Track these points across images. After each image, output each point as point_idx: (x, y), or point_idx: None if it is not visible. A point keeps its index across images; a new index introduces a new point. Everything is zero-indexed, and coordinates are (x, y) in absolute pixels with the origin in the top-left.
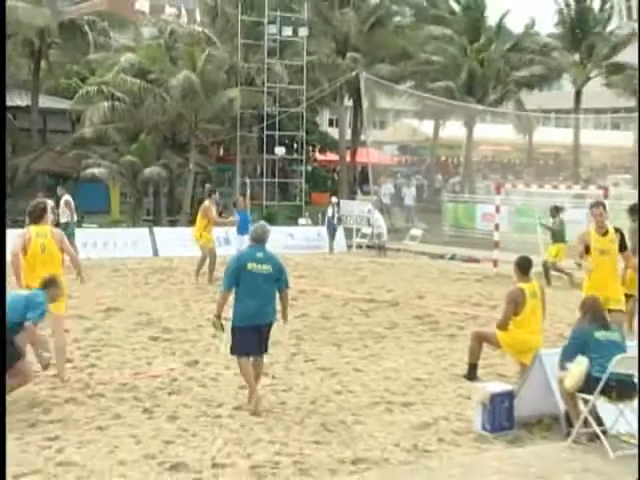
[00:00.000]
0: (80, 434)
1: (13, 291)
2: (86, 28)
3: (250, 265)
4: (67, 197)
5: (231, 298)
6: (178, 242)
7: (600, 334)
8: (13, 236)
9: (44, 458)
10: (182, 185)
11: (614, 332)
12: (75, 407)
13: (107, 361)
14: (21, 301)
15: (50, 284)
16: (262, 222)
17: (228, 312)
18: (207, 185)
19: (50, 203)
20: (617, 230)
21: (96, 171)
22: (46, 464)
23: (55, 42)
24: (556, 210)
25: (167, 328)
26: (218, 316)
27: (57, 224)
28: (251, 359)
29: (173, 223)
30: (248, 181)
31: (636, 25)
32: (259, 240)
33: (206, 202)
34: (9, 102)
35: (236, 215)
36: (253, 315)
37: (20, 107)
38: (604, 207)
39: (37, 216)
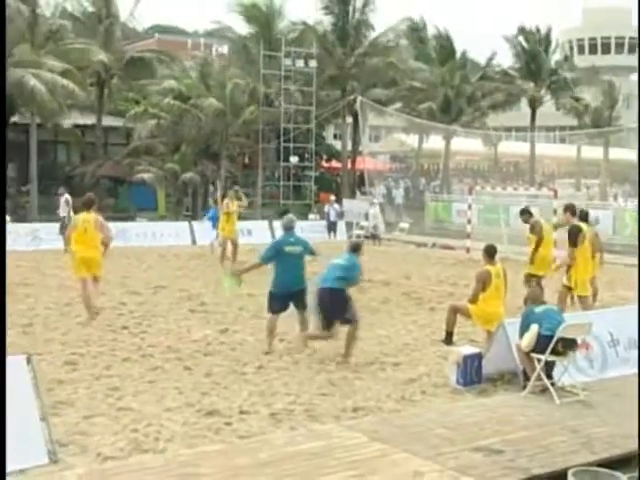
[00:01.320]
0: (135, 386)
1: None
2: (141, 62)
3: (287, 248)
4: (67, 196)
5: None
6: (212, 233)
7: (538, 308)
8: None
9: (107, 404)
10: (215, 187)
11: (549, 305)
12: (130, 364)
13: (155, 328)
14: None
15: None
16: (290, 215)
17: None
18: (235, 187)
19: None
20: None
21: (145, 176)
22: (109, 409)
23: (116, 73)
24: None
25: (203, 302)
26: (241, 273)
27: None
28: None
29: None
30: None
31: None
32: (290, 228)
33: (225, 199)
34: (80, 121)
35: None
36: (289, 285)
37: (87, 125)
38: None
39: (87, 206)
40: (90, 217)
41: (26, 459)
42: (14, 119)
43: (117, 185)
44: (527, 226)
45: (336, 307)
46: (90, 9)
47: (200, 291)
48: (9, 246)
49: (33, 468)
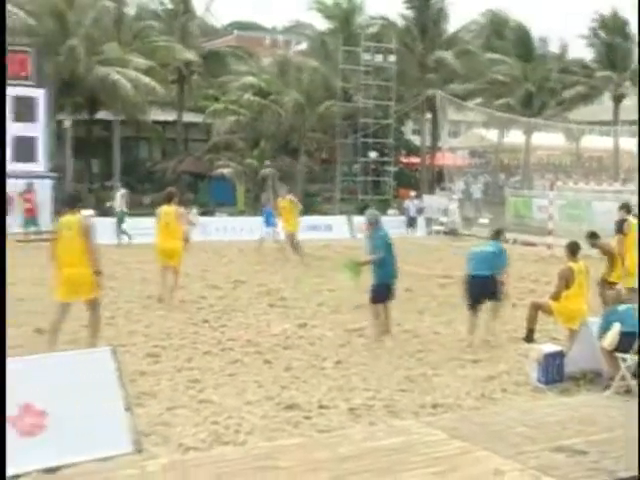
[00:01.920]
0: (215, 378)
1: None
2: (219, 59)
3: (389, 242)
4: (123, 191)
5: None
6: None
7: (621, 307)
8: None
9: (188, 396)
10: (293, 182)
11: (632, 305)
12: (211, 357)
13: (235, 322)
14: None
15: None
16: (372, 210)
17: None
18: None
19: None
20: None
21: (225, 171)
22: (190, 401)
23: (196, 70)
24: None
25: (282, 297)
26: (362, 265)
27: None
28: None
29: None
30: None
31: None
32: (377, 222)
33: (287, 197)
34: (161, 117)
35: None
36: (392, 276)
37: (168, 122)
38: None
39: (168, 199)
40: (171, 210)
41: (112, 447)
42: (99, 116)
43: (197, 180)
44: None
45: (489, 292)
46: (169, 6)
47: (279, 286)
48: (112, 240)
49: (119, 456)
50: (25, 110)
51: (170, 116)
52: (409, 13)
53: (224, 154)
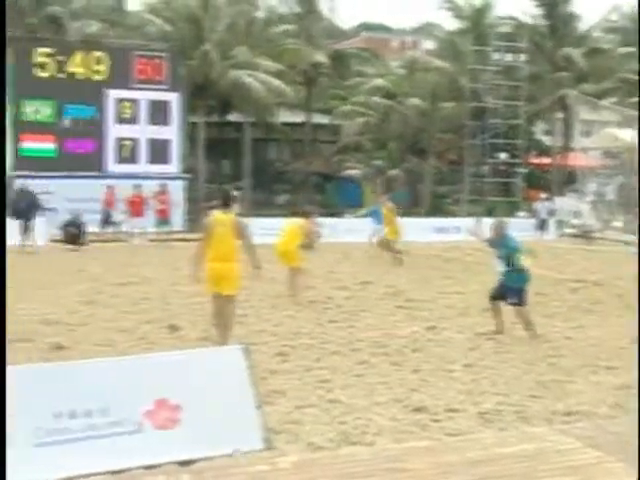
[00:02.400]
0: (344, 379)
1: None
2: (347, 61)
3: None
4: (235, 192)
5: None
6: (417, 229)
7: None
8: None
9: (317, 396)
10: (421, 183)
11: None
12: (339, 358)
13: (363, 323)
14: None
15: None
16: (501, 219)
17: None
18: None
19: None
20: None
21: (353, 172)
22: (319, 400)
23: (323, 72)
24: None
25: (409, 298)
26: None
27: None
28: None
29: (414, 214)
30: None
31: None
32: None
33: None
34: (289, 119)
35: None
36: (524, 280)
37: (297, 123)
38: None
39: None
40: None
41: (243, 444)
42: (230, 118)
43: (325, 181)
44: None
45: None
46: (297, 9)
47: (406, 287)
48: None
49: (249, 453)
50: (159, 113)
51: (298, 118)
52: (538, 11)
53: (352, 155)
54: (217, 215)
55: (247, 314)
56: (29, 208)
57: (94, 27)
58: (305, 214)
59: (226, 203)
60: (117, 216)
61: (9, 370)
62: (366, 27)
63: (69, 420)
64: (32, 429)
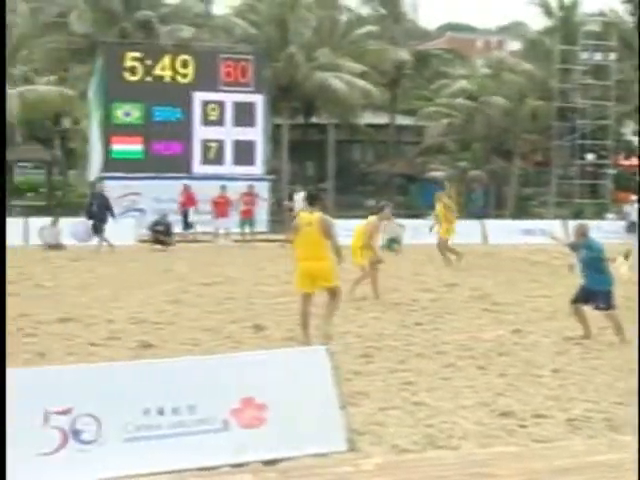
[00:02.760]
0: (429, 381)
1: None
2: (431, 61)
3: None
4: (302, 193)
5: None
6: (502, 232)
7: None
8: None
9: (401, 398)
10: (506, 185)
11: None
12: (424, 360)
13: (448, 326)
14: None
15: None
16: (583, 222)
17: None
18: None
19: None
20: None
21: (437, 174)
22: (403, 402)
23: (407, 73)
24: None
25: (495, 302)
26: None
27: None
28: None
29: (499, 216)
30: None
31: None
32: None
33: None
34: (373, 120)
35: None
36: (609, 283)
37: (381, 124)
38: None
39: (310, 203)
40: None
41: (326, 444)
42: (313, 119)
43: (409, 183)
44: None
45: None
46: (381, 11)
47: (492, 290)
48: None
49: (333, 453)
50: (244, 115)
51: (382, 119)
52: (626, 8)
53: (436, 157)
54: (303, 215)
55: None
56: (100, 210)
57: (182, 31)
58: (377, 211)
59: (312, 203)
60: (193, 217)
61: (100, 366)
62: (450, 27)
63: (158, 417)
64: (122, 424)
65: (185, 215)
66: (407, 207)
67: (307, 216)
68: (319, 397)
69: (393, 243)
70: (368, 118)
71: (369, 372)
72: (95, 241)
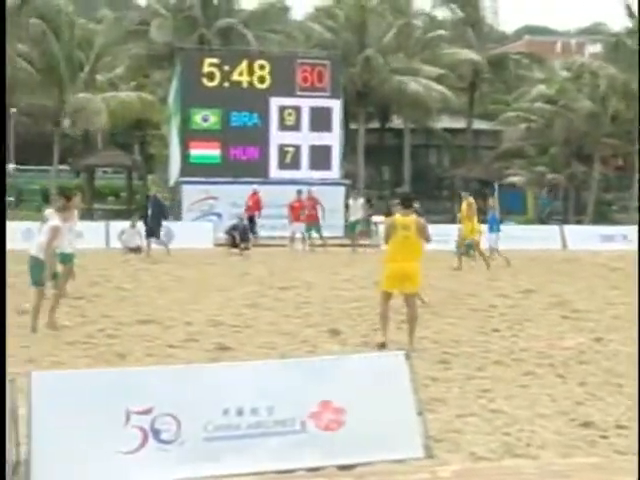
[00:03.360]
0: (507, 389)
1: None
2: (508, 65)
3: None
4: (361, 199)
5: None
6: (582, 237)
7: None
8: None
9: (479, 405)
10: (586, 190)
11: None
12: (502, 367)
13: (526, 333)
14: None
15: None
16: None
17: None
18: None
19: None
20: None
21: (515, 179)
22: (481, 410)
23: (485, 77)
24: None
25: (575, 309)
26: None
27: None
28: None
29: (579, 222)
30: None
31: None
32: None
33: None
34: (449, 125)
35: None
36: None
37: (457, 129)
38: None
39: (403, 205)
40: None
41: (403, 450)
42: (389, 124)
43: (486, 188)
44: None
45: None
46: (457, 14)
47: (571, 297)
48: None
49: (409, 460)
50: (321, 120)
51: (459, 123)
52: None
53: (514, 162)
54: (399, 217)
55: (405, 320)
56: (155, 214)
57: (260, 37)
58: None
59: (407, 206)
60: (260, 221)
61: (181, 367)
62: (529, 30)
63: (236, 417)
64: (201, 425)
65: (251, 219)
66: (484, 212)
67: (403, 218)
68: (397, 402)
69: (470, 249)
70: (445, 122)
71: (446, 378)
72: (152, 244)
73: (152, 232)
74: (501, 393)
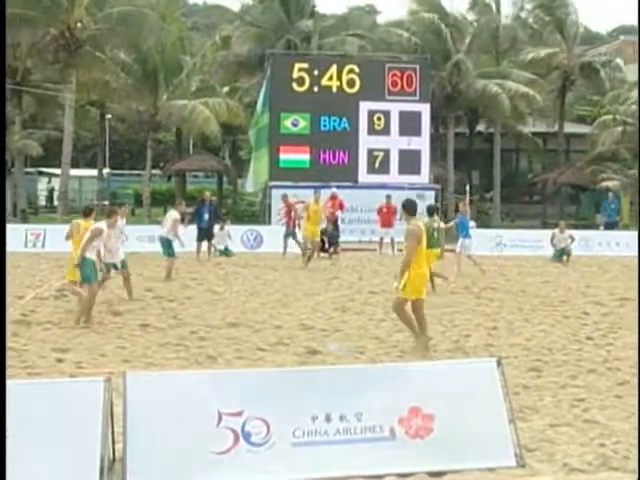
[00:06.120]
0: (601, 399)
1: None
2: (602, 67)
3: None
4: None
5: None
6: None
7: None
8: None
9: (572, 415)
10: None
11: None
12: (596, 376)
13: (621, 342)
14: None
15: None
16: None
17: None
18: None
19: None
20: None
21: (610, 184)
22: (574, 419)
23: (576, 79)
24: None
25: None
26: None
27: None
28: None
29: None
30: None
31: None
32: None
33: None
34: (539, 129)
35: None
36: None
37: (548, 132)
38: None
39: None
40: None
41: (494, 459)
42: (479, 128)
43: (579, 193)
44: None
45: None
46: (547, 16)
47: None
48: (492, 251)
49: (500, 469)
50: (410, 124)
51: (550, 127)
52: None
53: (607, 165)
54: (425, 223)
55: (498, 327)
56: (212, 218)
57: (348, 42)
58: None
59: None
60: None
61: (271, 371)
62: (624, 30)
63: (325, 423)
64: (291, 429)
65: (335, 223)
66: (577, 218)
67: (420, 224)
68: (487, 410)
69: (562, 254)
70: (535, 126)
71: (538, 386)
72: (204, 247)
73: (208, 235)
74: (595, 403)
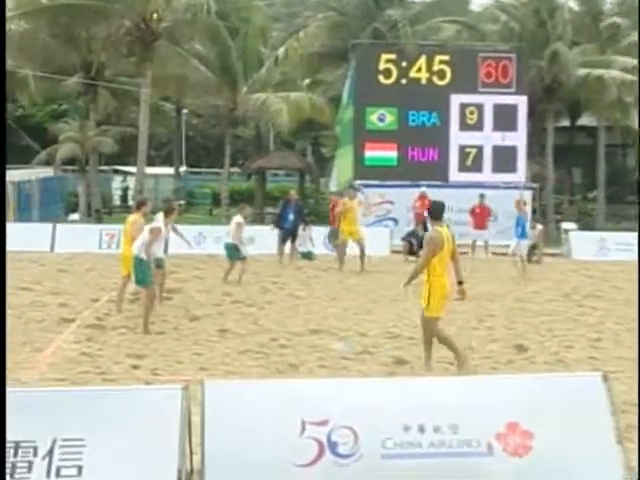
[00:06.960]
0: None
1: None
2: None
3: None
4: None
5: None
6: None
7: None
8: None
9: None
10: None
11: None
12: None
13: None
14: None
15: None
16: None
17: None
18: None
19: None
20: None
21: None
22: None
23: None
24: None
25: None
26: None
27: None
28: None
29: None
30: None
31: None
32: None
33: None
34: None
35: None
36: None
37: None
38: None
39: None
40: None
41: None
42: (581, 122)
43: None
44: None
45: None
46: None
47: None
48: (595, 255)
49: None
50: (505, 118)
51: None
52: None
53: None
54: (441, 230)
55: (602, 338)
56: (297, 219)
57: (439, 30)
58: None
59: (438, 218)
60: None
61: (358, 380)
62: None
63: (418, 434)
64: (380, 440)
65: (424, 225)
66: None
67: (443, 231)
68: (592, 429)
69: None
70: None
71: None
72: (287, 249)
73: (292, 237)
74: None
